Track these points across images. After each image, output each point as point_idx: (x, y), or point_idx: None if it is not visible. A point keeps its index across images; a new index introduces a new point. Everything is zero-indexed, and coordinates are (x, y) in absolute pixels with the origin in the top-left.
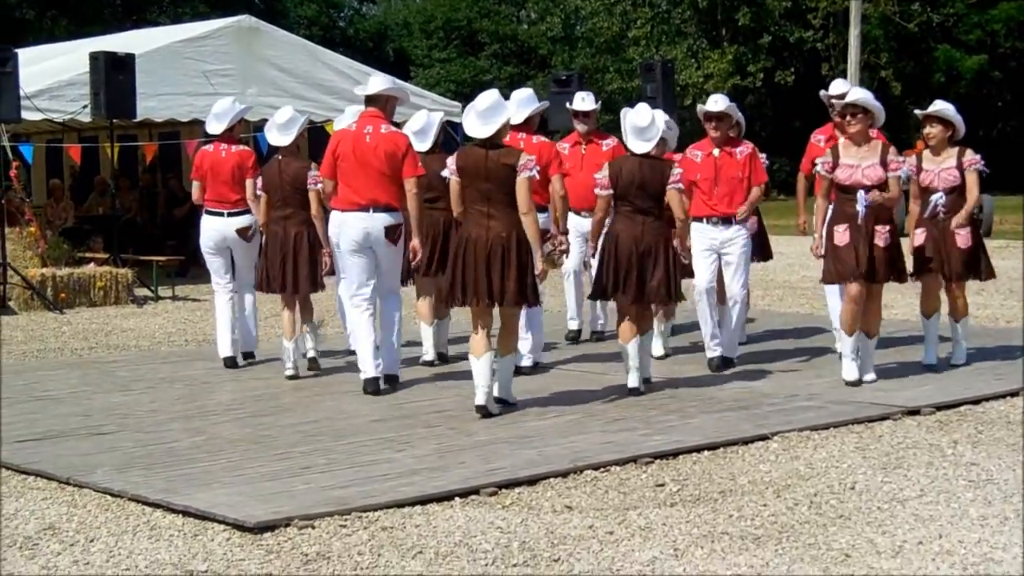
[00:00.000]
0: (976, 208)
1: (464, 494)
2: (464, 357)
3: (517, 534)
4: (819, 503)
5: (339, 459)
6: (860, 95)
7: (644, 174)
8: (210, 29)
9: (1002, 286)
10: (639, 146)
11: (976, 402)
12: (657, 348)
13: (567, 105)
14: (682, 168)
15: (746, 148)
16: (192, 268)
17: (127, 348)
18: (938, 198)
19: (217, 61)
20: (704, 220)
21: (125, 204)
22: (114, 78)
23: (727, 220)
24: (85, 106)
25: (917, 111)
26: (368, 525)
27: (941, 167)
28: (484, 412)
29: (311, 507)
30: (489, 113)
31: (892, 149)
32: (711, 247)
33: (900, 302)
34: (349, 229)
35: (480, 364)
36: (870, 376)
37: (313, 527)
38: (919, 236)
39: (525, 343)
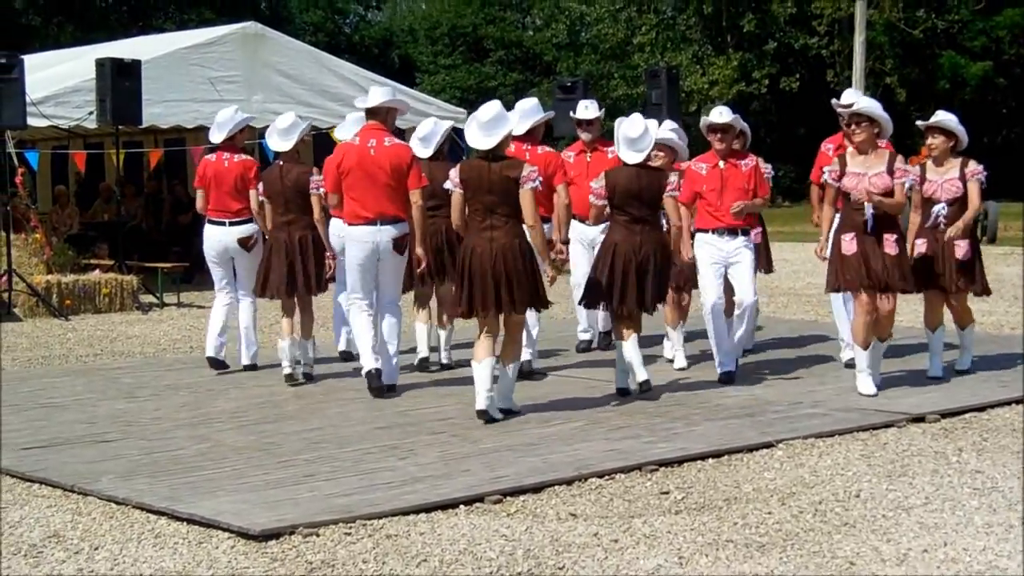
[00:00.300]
0: (981, 215)
1: (468, 502)
2: (467, 363)
3: (522, 542)
4: (824, 511)
5: (343, 467)
6: (865, 104)
7: (641, 184)
8: (216, 35)
9: (1007, 293)
10: (631, 156)
11: (981, 409)
12: (680, 360)
13: (571, 114)
14: (686, 181)
15: (751, 161)
16: (197, 275)
17: (132, 355)
18: (940, 209)
19: (223, 67)
20: (711, 232)
21: (130, 210)
22: (120, 84)
23: (733, 231)
24: (91, 112)
25: (920, 122)
26: (373, 533)
27: (944, 178)
28: (486, 417)
29: (315, 515)
30: (491, 125)
31: (899, 158)
32: (718, 260)
33: (905, 309)
34: (358, 243)
35: (481, 369)
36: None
37: (318, 535)
38: (919, 246)
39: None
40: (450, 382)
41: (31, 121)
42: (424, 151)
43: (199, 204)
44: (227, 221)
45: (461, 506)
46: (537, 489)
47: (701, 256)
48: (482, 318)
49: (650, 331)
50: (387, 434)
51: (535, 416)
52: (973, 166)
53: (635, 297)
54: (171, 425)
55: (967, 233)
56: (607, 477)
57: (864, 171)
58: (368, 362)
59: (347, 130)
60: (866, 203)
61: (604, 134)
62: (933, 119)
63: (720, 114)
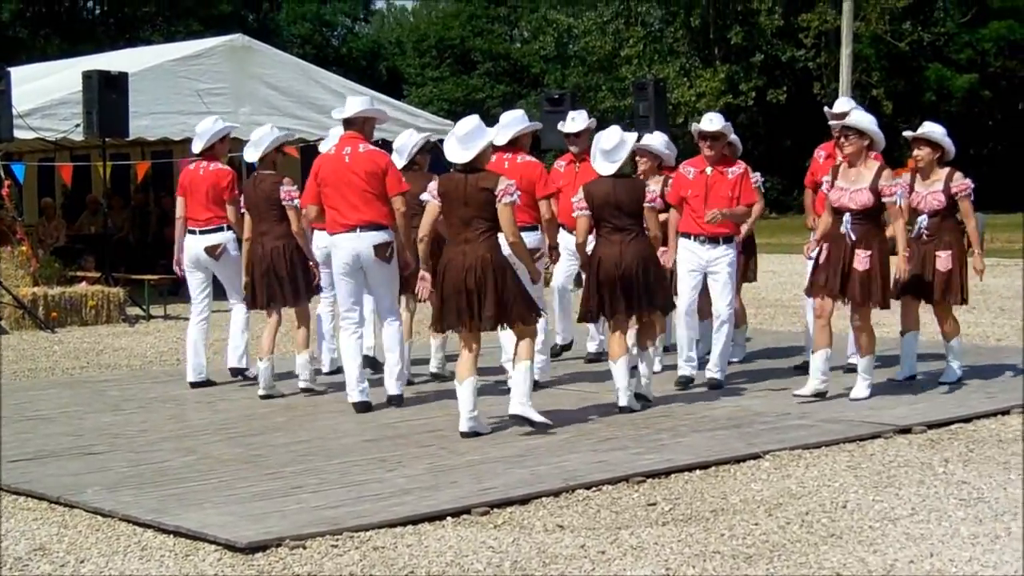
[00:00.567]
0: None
1: (456, 514)
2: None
3: (509, 553)
4: (811, 522)
5: (330, 479)
6: (855, 119)
7: (618, 194)
8: (203, 48)
9: (992, 304)
10: (604, 167)
11: (967, 420)
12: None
13: (558, 126)
14: (675, 183)
15: (738, 168)
16: (183, 287)
17: (118, 367)
18: (922, 220)
19: (210, 80)
20: (691, 237)
21: (117, 223)
22: (107, 97)
23: (714, 240)
24: (78, 125)
25: (906, 132)
26: (360, 545)
27: (929, 190)
28: (471, 435)
29: (302, 527)
30: (468, 138)
31: (887, 173)
32: (696, 267)
33: (891, 320)
34: (340, 251)
35: (463, 390)
36: (863, 392)
37: (304, 547)
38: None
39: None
40: (437, 394)
41: (18, 133)
42: (399, 162)
43: (177, 211)
44: (197, 230)
45: (448, 518)
46: (524, 501)
47: (680, 261)
48: (460, 333)
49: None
50: (375, 446)
51: (522, 428)
52: (959, 179)
53: (624, 307)
54: (157, 437)
55: (956, 247)
56: (594, 488)
57: (847, 186)
58: (352, 395)
59: (332, 143)
60: (845, 218)
61: None
62: (919, 130)
63: (711, 121)
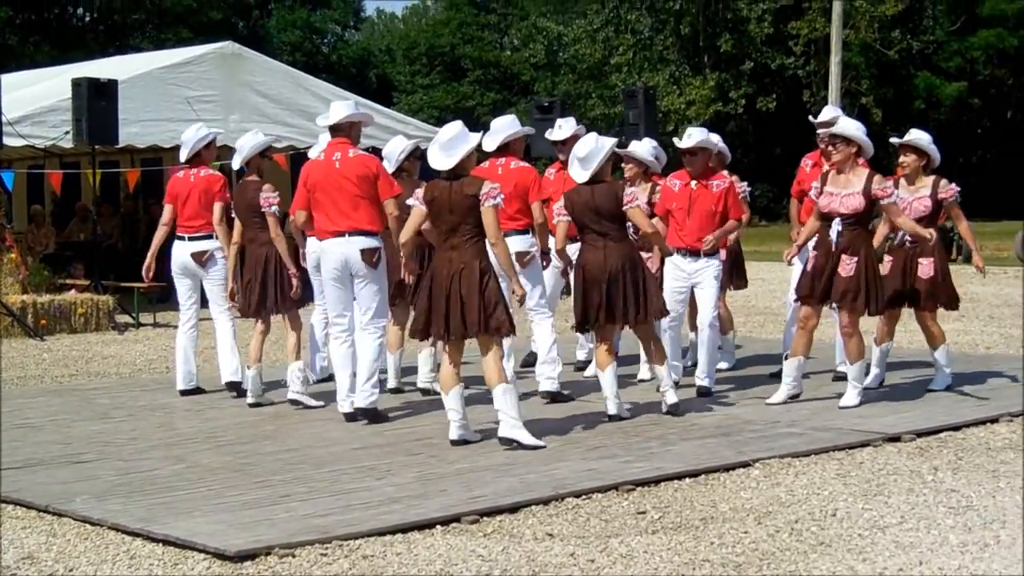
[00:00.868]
0: (956, 235)
1: (445, 522)
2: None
3: (498, 562)
4: (800, 530)
5: (320, 487)
6: (842, 126)
7: (596, 199)
8: (193, 55)
9: (982, 312)
10: (579, 175)
11: (956, 428)
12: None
13: (545, 134)
14: (662, 195)
15: (723, 182)
16: (173, 295)
17: (107, 375)
18: None
19: (200, 87)
20: (675, 251)
21: (106, 230)
22: (96, 104)
23: (696, 253)
24: (67, 132)
25: (893, 139)
26: (349, 554)
27: (915, 196)
28: (462, 443)
29: (292, 535)
30: (450, 144)
31: (877, 177)
32: (683, 281)
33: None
34: (329, 256)
35: (450, 399)
36: (852, 400)
37: (294, 556)
38: (886, 264)
39: (549, 367)
40: (427, 402)
41: (7, 141)
42: (388, 168)
43: (164, 217)
44: (187, 236)
45: (438, 526)
46: (514, 509)
47: (665, 274)
48: (448, 342)
49: (626, 351)
50: (364, 454)
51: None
52: (945, 186)
53: (612, 311)
54: (146, 445)
55: (932, 251)
56: (584, 497)
57: (837, 191)
58: (343, 404)
59: (321, 148)
60: (833, 224)
61: None
62: (906, 137)
63: (689, 136)
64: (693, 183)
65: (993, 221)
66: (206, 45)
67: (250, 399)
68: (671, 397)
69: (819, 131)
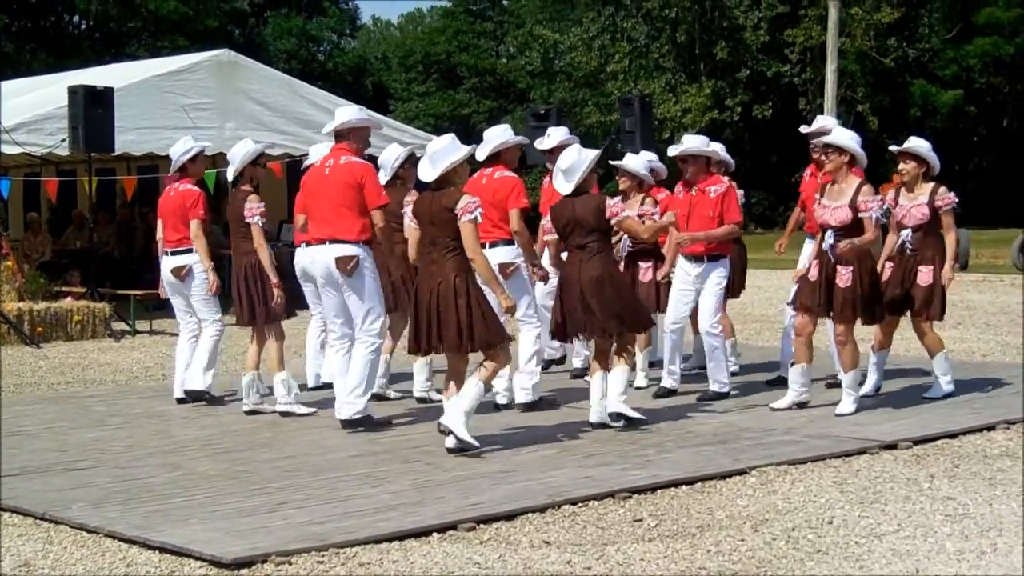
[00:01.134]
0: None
1: (442, 529)
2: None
3: (495, 569)
4: (797, 538)
5: (316, 494)
6: (835, 136)
7: (578, 212)
8: (189, 63)
9: (978, 320)
10: (563, 187)
11: (953, 436)
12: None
13: (535, 143)
14: (670, 202)
15: (720, 187)
16: (169, 303)
17: (104, 383)
18: (906, 235)
19: (196, 95)
20: (682, 256)
21: (103, 238)
22: (93, 112)
23: (698, 258)
24: (63, 140)
25: (892, 147)
26: (346, 561)
27: (913, 203)
28: (457, 452)
29: (288, 543)
30: (438, 156)
31: (866, 188)
32: (688, 285)
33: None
34: (315, 265)
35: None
36: (849, 407)
37: (290, 563)
38: (886, 271)
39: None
40: (423, 410)
41: (3, 148)
42: (383, 176)
43: (158, 234)
44: (169, 251)
45: (434, 534)
46: (510, 516)
47: (674, 277)
48: (447, 355)
49: None
50: (360, 462)
51: (508, 443)
52: (943, 194)
53: (586, 325)
54: (143, 453)
55: (933, 259)
56: (580, 504)
57: (830, 203)
58: (339, 413)
59: (315, 157)
60: (827, 235)
61: None
62: (905, 145)
63: (679, 145)
64: (692, 190)
65: (989, 229)
66: (202, 53)
67: (246, 406)
68: (592, 417)
69: (811, 141)
